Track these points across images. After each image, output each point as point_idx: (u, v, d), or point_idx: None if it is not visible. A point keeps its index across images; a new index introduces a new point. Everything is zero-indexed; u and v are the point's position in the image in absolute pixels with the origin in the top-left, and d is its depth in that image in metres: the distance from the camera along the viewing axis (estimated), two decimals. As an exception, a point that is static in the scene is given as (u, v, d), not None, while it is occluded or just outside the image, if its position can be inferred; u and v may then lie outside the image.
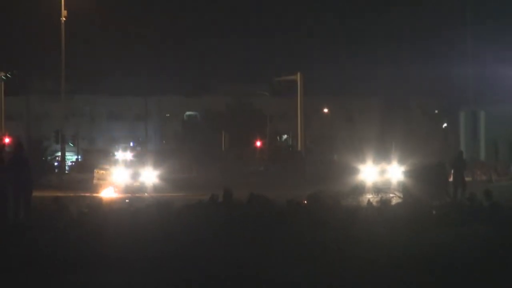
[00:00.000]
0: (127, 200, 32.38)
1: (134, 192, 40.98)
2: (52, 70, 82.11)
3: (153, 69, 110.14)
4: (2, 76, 62.91)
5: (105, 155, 62.76)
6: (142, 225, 19.97)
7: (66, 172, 67.91)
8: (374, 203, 24.19)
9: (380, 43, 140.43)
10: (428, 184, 30.98)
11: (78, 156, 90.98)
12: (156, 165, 49.57)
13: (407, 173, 34.30)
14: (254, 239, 17.52)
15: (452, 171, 35.01)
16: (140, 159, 52.85)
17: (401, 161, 49.25)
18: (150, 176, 46.19)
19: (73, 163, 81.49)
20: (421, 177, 32.22)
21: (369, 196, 26.54)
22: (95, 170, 48.82)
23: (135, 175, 46.00)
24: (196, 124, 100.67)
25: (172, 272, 14.47)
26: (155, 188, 44.16)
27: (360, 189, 29.04)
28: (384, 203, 23.86)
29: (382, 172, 50.47)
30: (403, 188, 31.32)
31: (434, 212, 22.96)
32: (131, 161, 50.54)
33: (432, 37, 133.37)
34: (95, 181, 46.90)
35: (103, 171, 47.37)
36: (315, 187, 29.17)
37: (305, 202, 24.39)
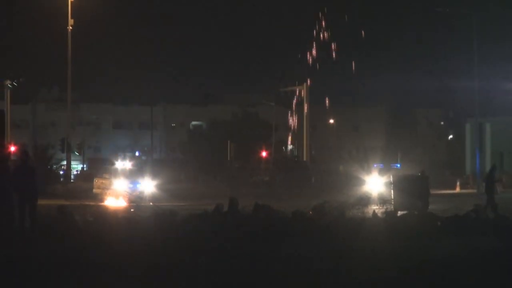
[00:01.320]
0: (132, 209, 32.34)
1: (134, 202, 40.93)
2: (58, 78, 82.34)
3: (159, 78, 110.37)
4: (9, 85, 62.88)
5: (109, 164, 62.85)
6: (143, 234, 19.97)
7: (72, 180, 67.84)
8: (380, 214, 24.16)
9: (387, 54, 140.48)
10: (408, 195, 31.02)
11: (83, 165, 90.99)
12: (157, 174, 49.58)
13: (389, 184, 34.36)
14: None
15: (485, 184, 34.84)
16: (140, 169, 52.85)
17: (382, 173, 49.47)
18: (149, 186, 46.20)
19: (79, 172, 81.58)
20: (401, 189, 32.29)
21: (374, 207, 26.49)
22: (95, 179, 49.18)
23: (134, 185, 46.03)
24: (201, 134, 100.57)
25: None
26: (158, 198, 44.04)
27: (365, 200, 29.02)
28: (389, 214, 23.85)
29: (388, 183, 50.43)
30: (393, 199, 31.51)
31: (439, 223, 22.93)
32: (130, 170, 50.68)
33: (438, 48, 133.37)
34: (94, 190, 47.03)
35: (103, 180, 47.52)
36: (320, 198, 29.11)
37: (311, 212, 24.35)
